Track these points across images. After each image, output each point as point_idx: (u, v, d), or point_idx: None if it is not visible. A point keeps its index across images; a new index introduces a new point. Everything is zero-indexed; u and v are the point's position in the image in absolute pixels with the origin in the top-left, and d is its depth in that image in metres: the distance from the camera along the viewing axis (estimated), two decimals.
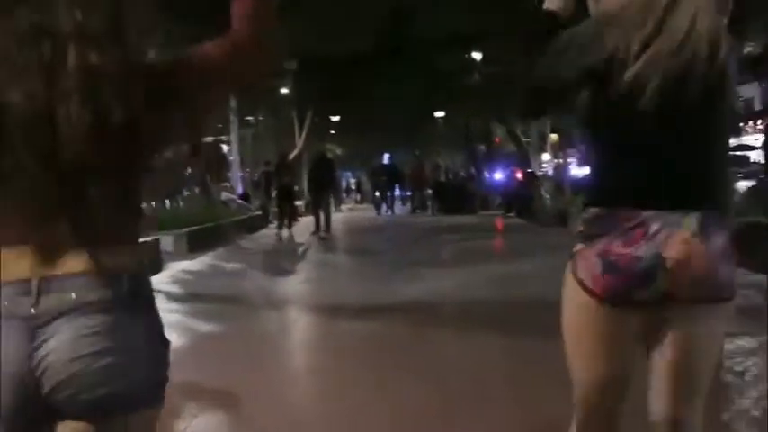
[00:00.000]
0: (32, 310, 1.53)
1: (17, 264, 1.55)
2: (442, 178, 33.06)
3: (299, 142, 30.24)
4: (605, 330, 2.15)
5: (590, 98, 2.15)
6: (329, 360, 6.23)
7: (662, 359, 2.16)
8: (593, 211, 2.16)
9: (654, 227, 2.06)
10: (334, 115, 41.32)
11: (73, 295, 1.54)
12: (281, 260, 14.03)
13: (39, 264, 1.55)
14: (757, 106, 38.12)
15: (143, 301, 1.67)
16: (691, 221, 2.06)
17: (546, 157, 38.03)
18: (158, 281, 10.91)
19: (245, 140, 34.26)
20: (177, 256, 14.20)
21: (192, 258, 13.58)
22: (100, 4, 1.61)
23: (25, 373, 1.52)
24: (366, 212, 29.32)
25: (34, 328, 1.53)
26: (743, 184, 23.45)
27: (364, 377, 5.43)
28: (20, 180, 1.54)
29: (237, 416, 4.70)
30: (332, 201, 20.86)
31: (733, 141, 25.72)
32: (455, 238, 16.88)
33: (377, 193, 32.08)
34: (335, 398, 5.01)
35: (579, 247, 2.17)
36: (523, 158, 31.02)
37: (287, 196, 19.10)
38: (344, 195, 49.19)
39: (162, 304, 8.15)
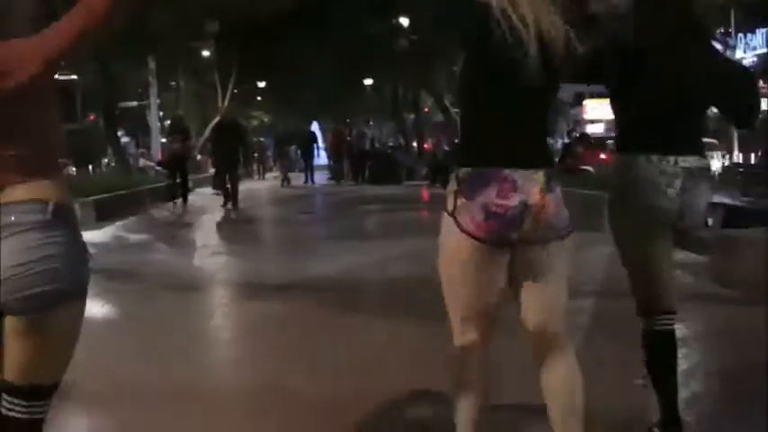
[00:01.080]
0: None
1: None
2: (368, 147, 32.49)
3: (222, 108, 29.36)
4: (483, 266, 2.70)
5: (469, 79, 2.78)
6: (225, 343, 5.71)
7: (529, 283, 2.76)
8: (465, 170, 2.68)
9: (519, 180, 2.60)
10: (260, 81, 40.40)
11: (12, 218, 2.08)
12: (188, 233, 13.35)
13: None
14: None
15: (65, 220, 2.15)
16: (540, 177, 2.63)
17: None
18: None
19: (168, 106, 33.19)
20: (83, 225, 13.36)
21: (98, 228, 12.85)
22: None
23: None
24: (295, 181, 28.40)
25: None
26: None
27: (260, 364, 4.91)
28: None
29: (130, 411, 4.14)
30: (240, 172, 19.52)
31: None
32: (377, 209, 16.40)
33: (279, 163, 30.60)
34: (224, 383, 4.50)
35: (460, 201, 2.66)
36: (451, 128, 30.71)
37: (177, 164, 17.78)
38: (272, 164, 48.35)
39: None
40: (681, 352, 3.58)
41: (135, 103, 33.92)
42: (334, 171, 30.60)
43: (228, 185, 16.95)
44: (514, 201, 2.59)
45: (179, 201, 17.61)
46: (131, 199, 16.12)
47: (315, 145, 31.24)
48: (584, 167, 16.62)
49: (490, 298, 2.77)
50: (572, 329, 3.23)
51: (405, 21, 25.99)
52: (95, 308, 7.20)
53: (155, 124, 27.97)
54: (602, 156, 28.32)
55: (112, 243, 11.39)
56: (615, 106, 3.37)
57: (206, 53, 28.18)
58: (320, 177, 29.62)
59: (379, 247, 10.13)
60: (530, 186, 2.60)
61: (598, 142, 22.18)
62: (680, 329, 3.65)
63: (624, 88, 3.26)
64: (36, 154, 2.15)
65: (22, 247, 2.05)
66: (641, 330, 3.33)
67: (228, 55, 27.54)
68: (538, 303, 2.78)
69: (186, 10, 16.98)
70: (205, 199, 19.44)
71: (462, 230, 2.65)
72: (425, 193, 21.76)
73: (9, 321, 2.11)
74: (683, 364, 3.96)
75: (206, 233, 13.39)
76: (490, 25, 2.55)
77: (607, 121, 54.73)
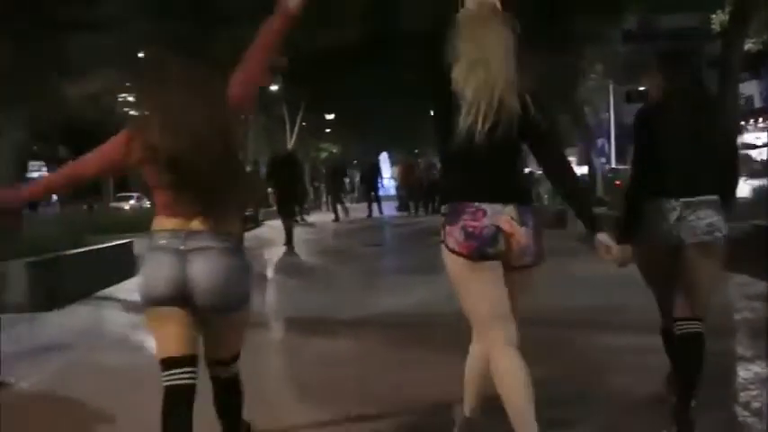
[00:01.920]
0: (181, 246, 3.05)
1: (172, 223, 3.08)
2: (437, 177, 32.28)
3: (291, 141, 29.60)
4: (481, 276, 3.32)
5: (442, 135, 3.40)
6: (289, 380, 5.60)
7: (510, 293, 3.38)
8: (446, 206, 3.40)
9: (489, 211, 3.27)
10: (329, 113, 40.73)
11: (203, 243, 3.06)
12: (254, 266, 13.30)
13: (185, 224, 3.07)
14: (758, 103, 37.55)
15: (240, 250, 3.16)
16: (510, 209, 3.29)
17: None
18: (124, 288, 10.32)
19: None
20: None
21: None
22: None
23: (178, 275, 3.02)
24: (358, 213, 28.23)
25: (185, 254, 3.03)
26: (745, 186, 22.90)
27: (326, 402, 4.78)
28: (181, 188, 3.04)
29: None
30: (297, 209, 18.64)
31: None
32: None
33: (331, 195, 28.37)
34: (287, 420, 4.39)
35: (446, 229, 3.35)
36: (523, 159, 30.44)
37: None
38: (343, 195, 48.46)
39: (120, 317, 7.53)
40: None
41: None
42: (404, 202, 30.41)
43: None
44: (486, 222, 3.25)
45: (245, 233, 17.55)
46: None
47: (379, 176, 30.39)
48: None
49: (499, 300, 3.35)
50: None
51: None
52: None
53: None
54: None
55: None
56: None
57: (274, 87, 28.51)
58: (388, 208, 29.44)
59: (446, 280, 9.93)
60: (498, 216, 3.27)
61: None
62: None
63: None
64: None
65: (209, 263, 3.07)
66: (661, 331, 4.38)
67: (296, 88, 27.78)
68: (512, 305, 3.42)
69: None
70: (273, 232, 19.50)
71: (451, 251, 3.33)
72: None
73: (211, 315, 3.15)
74: None
75: (271, 266, 13.37)
76: (459, 103, 3.29)
77: None
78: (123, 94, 29.86)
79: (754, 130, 34.30)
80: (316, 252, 15.84)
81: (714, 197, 3.99)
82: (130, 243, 12.89)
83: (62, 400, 5.14)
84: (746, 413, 4.41)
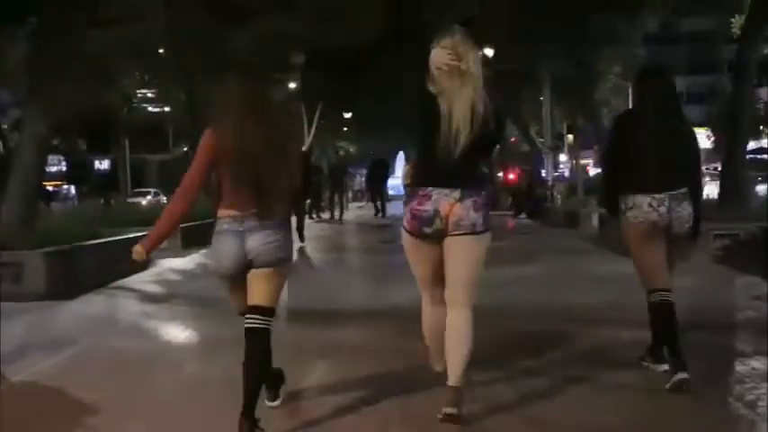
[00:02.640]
0: (240, 228, 4.04)
1: (233, 211, 4.04)
2: None
3: (308, 138, 29.69)
4: (419, 249, 4.38)
5: (420, 137, 4.44)
6: (300, 368, 5.69)
7: (447, 262, 4.30)
8: (410, 189, 4.39)
9: (435, 196, 4.20)
10: (347, 111, 40.81)
11: (254, 223, 4.07)
12: None
13: (242, 211, 4.03)
14: None
15: (285, 226, 4.19)
16: (456, 193, 4.18)
17: (563, 158, 37.38)
18: (139, 279, 10.44)
19: None
20: (169, 252, 13.75)
21: (185, 255, 13.11)
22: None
23: (239, 251, 4.04)
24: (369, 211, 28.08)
25: (243, 233, 4.03)
26: (762, 188, 22.79)
27: (334, 392, 4.86)
28: (242, 183, 4.05)
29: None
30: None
31: (752, 144, 25.11)
32: None
33: (332, 195, 26.84)
34: (293, 409, 4.47)
35: (404, 209, 4.41)
36: (537, 159, 30.43)
37: None
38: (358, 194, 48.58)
39: (134, 306, 7.68)
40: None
41: None
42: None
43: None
44: (428, 207, 4.21)
45: None
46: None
47: (385, 173, 29.38)
48: None
49: (431, 270, 4.41)
50: None
51: (489, 52, 25.86)
52: (178, 330, 7.32)
53: None
54: None
55: (197, 269, 11.58)
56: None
57: (292, 85, 28.60)
58: (398, 208, 29.29)
59: None
60: (442, 199, 4.19)
61: None
62: None
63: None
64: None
65: (263, 236, 4.06)
66: (648, 304, 5.05)
67: (314, 86, 27.87)
68: (449, 277, 4.31)
69: (272, 41, 17.25)
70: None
71: (403, 228, 4.40)
72: (510, 223, 21.53)
73: (256, 271, 4.12)
74: None
75: None
76: (438, 114, 4.19)
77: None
78: (142, 90, 30.11)
79: None
80: (324, 248, 15.95)
81: (685, 190, 4.97)
82: (146, 236, 13.01)
83: (70, 388, 5.23)
84: (739, 405, 4.47)
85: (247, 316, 4.17)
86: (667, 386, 4.64)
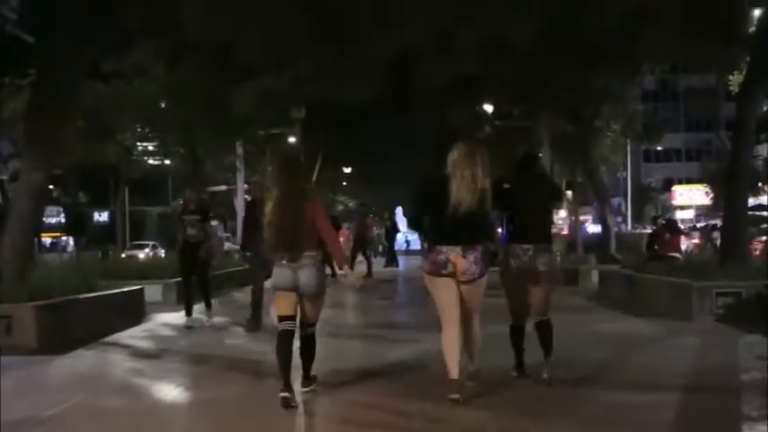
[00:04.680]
0: (292, 265, 6.15)
1: (281, 255, 6.20)
2: None
3: None
4: (440, 283, 6.16)
5: (436, 207, 6.20)
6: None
7: (462, 299, 6.14)
8: (429, 248, 6.30)
9: (445, 250, 6.11)
10: (346, 166, 40.92)
11: (305, 261, 6.15)
12: (266, 316, 13.23)
13: (289, 253, 6.16)
14: None
15: (320, 266, 6.27)
16: (459, 248, 6.08)
17: (562, 214, 37.35)
18: (131, 334, 10.27)
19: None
20: (165, 306, 13.63)
21: (179, 310, 12.94)
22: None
23: (291, 280, 6.14)
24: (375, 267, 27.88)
25: (294, 269, 6.13)
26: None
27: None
28: (280, 239, 6.23)
29: None
30: None
31: (752, 201, 25.10)
32: None
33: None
34: None
35: (424, 260, 6.40)
36: None
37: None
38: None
39: (125, 362, 7.48)
40: None
41: (224, 188, 34.67)
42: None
43: None
44: (441, 257, 6.08)
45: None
46: (213, 282, 16.19)
47: (395, 233, 30.07)
48: (672, 254, 15.96)
49: (448, 295, 6.11)
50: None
51: (489, 108, 26.01)
52: (169, 389, 7.13)
53: (241, 208, 28.32)
54: (695, 241, 27.22)
55: (193, 325, 11.38)
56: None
57: (292, 139, 28.65)
58: (404, 262, 29.20)
59: None
60: (450, 253, 6.06)
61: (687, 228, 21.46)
62: None
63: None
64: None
65: (307, 272, 6.10)
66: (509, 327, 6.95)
67: (314, 141, 27.92)
68: (464, 307, 6.15)
69: (271, 95, 17.27)
70: None
71: (425, 271, 6.26)
72: None
73: (305, 297, 6.17)
74: None
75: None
76: (447, 188, 6.06)
77: (697, 207, 53.83)
78: (143, 143, 30.17)
79: None
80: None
81: (546, 244, 6.82)
82: (141, 290, 12.89)
83: None
84: None
85: (284, 322, 6.19)
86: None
